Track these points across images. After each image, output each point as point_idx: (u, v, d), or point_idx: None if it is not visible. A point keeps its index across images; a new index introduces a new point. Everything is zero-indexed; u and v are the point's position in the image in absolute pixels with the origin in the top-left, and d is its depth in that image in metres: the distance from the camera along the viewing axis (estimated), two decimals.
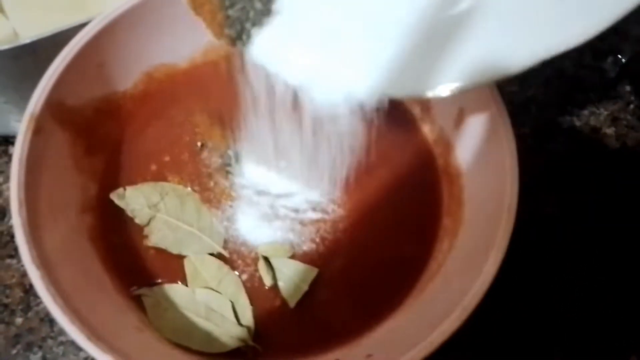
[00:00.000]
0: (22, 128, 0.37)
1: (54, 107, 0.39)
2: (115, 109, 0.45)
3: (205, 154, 0.46)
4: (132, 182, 0.44)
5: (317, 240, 0.42)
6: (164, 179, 0.44)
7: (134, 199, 0.42)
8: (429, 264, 0.41)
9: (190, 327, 0.38)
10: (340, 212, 0.43)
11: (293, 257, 0.42)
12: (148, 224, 0.42)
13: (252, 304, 0.40)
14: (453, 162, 0.43)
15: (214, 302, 0.39)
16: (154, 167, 0.45)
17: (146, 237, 0.42)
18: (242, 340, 0.38)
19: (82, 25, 0.41)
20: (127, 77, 0.45)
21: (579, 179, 0.54)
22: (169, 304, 0.39)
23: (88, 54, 0.41)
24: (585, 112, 0.58)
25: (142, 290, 0.40)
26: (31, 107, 0.38)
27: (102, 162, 0.44)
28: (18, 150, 0.36)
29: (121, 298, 0.39)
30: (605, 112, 0.58)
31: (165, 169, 0.45)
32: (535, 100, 0.58)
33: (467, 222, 0.40)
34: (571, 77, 0.60)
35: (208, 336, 0.38)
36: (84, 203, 0.41)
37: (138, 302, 0.39)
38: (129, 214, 0.42)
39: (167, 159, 0.45)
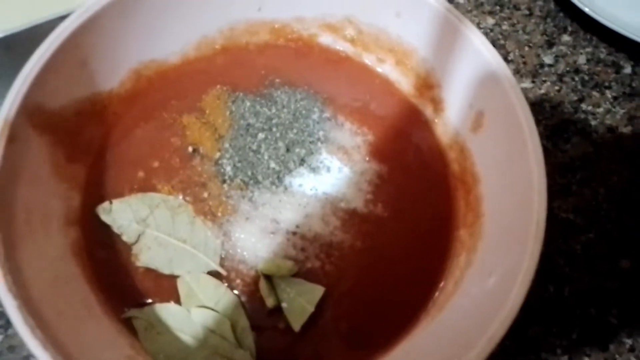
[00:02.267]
0: None
1: (30, 111, 0.35)
2: (99, 110, 0.41)
3: (197, 160, 0.42)
4: (119, 191, 0.40)
5: (322, 256, 0.39)
6: (153, 188, 0.40)
7: (121, 214, 0.38)
8: (446, 281, 0.38)
9: (187, 352, 0.35)
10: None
11: (296, 275, 0.38)
12: (137, 241, 0.38)
13: (253, 327, 0.36)
14: (470, 168, 0.40)
15: (212, 323, 0.36)
16: (141, 174, 0.41)
17: (135, 256, 0.38)
18: None
19: (63, 18, 0.37)
20: (113, 75, 0.41)
21: (594, 181, 0.51)
22: (162, 327, 0.36)
23: (69, 50, 0.37)
24: (601, 110, 0.55)
25: (132, 312, 0.36)
26: (4, 112, 0.33)
27: (85, 169, 0.40)
28: None
29: (110, 322, 0.35)
30: (622, 111, 0.55)
31: (154, 177, 0.41)
32: (549, 98, 0.55)
33: (487, 236, 0.37)
34: (586, 74, 0.57)
35: None
36: (67, 215, 0.37)
37: (129, 326, 0.36)
38: (116, 230, 0.38)
39: (156, 164, 0.41)
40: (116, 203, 0.39)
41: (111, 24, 0.39)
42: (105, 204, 0.39)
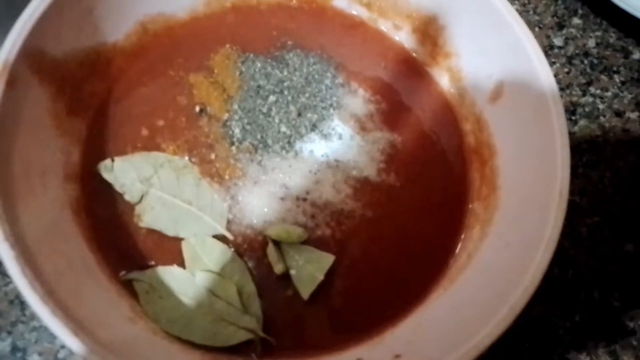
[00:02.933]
0: None
1: (31, 55, 0.33)
2: (103, 63, 0.39)
3: (204, 120, 0.40)
4: (121, 149, 0.38)
5: (333, 224, 0.37)
6: (157, 147, 0.38)
7: (123, 172, 0.37)
8: (458, 253, 0.37)
9: (190, 317, 0.33)
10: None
11: (306, 242, 0.37)
12: (140, 201, 0.36)
13: (260, 294, 0.35)
14: (486, 140, 0.39)
15: (217, 287, 0.34)
16: (145, 132, 0.39)
17: (138, 217, 0.36)
18: (251, 331, 0.33)
19: None
20: (119, 26, 0.39)
21: (603, 165, 0.51)
22: (165, 290, 0.34)
23: None
24: (609, 94, 0.55)
25: (133, 275, 0.34)
26: (4, 53, 0.31)
27: (86, 124, 0.38)
28: None
29: (110, 283, 0.33)
30: (630, 96, 0.55)
31: (159, 135, 0.39)
32: (558, 79, 0.55)
33: (503, 209, 0.36)
34: (595, 57, 0.56)
35: (211, 327, 0.33)
36: (66, 171, 0.35)
37: (130, 289, 0.34)
38: (118, 189, 0.36)
39: (160, 123, 0.39)
40: (118, 161, 0.37)
41: None
42: (107, 162, 0.37)
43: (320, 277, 0.35)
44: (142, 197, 0.36)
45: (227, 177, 0.38)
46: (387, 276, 0.36)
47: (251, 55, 0.42)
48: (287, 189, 0.38)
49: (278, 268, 0.35)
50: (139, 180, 0.37)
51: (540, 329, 0.43)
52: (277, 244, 0.36)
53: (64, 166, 0.35)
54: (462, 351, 0.28)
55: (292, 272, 0.35)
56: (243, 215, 0.37)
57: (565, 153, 0.32)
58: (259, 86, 0.41)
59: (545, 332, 0.43)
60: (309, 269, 0.35)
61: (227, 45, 0.42)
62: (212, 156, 0.39)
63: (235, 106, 0.40)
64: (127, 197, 0.36)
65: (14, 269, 0.27)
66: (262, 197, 0.38)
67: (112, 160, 0.37)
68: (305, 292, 0.35)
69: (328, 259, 0.36)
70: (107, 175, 0.37)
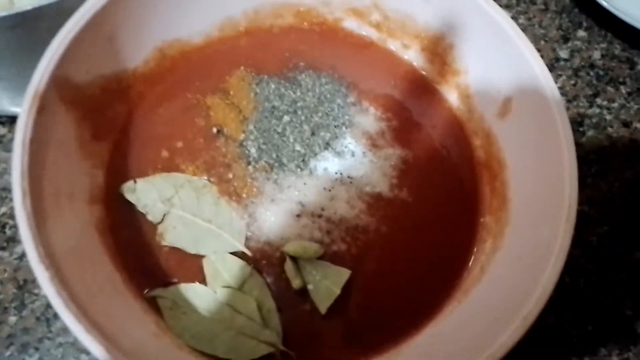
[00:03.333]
0: (24, 107, 0.32)
1: (59, 83, 0.34)
2: (124, 88, 0.40)
3: (221, 141, 0.41)
4: (142, 170, 0.40)
5: (348, 240, 0.39)
6: (177, 168, 0.40)
7: (145, 193, 0.38)
8: (471, 266, 0.38)
9: (213, 332, 0.34)
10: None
11: (322, 258, 0.38)
12: (162, 221, 0.38)
13: (278, 309, 0.36)
14: (496, 155, 0.40)
15: (237, 303, 0.36)
16: (165, 154, 0.40)
17: (160, 235, 0.37)
18: (272, 345, 0.34)
19: None
20: (138, 53, 0.41)
21: (611, 175, 0.51)
22: (188, 306, 0.35)
23: (97, 25, 0.36)
24: (616, 105, 0.56)
25: (157, 292, 0.36)
26: (35, 83, 0.33)
27: (109, 147, 0.39)
28: (20, 132, 0.31)
29: (135, 301, 0.35)
30: (636, 106, 0.56)
31: (178, 156, 0.40)
32: (565, 92, 0.56)
33: (515, 222, 0.37)
34: (600, 69, 0.57)
35: (233, 341, 0.34)
36: (91, 193, 0.37)
37: (154, 305, 0.35)
38: (141, 209, 0.38)
39: (179, 144, 0.41)
40: (140, 182, 0.38)
41: (139, 1, 0.38)
42: (130, 183, 0.38)
43: (337, 291, 0.36)
44: (164, 217, 0.38)
45: (244, 195, 0.39)
46: (402, 290, 0.37)
47: (265, 77, 0.43)
48: (303, 205, 0.39)
49: (296, 283, 0.36)
50: (160, 200, 0.38)
51: (553, 337, 0.44)
52: (295, 259, 0.37)
53: (89, 188, 0.37)
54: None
55: (310, 286, 0.36)
56: (261, 232, 0.39)
57: (573, 167, 0.33)
58: (273, 107, 0.42)
59: (558, 341, 0.44)
60: (326, 284, 0.36)
61: (242, 68, 0.44)
62: (230, 175, 0.40)
63: (251, 127, 0.41)
64: (149, 217, 0.38)
65: (49, 290, 0.28)
66: (278, 214, 0.39)
67: (135, 182, 0.38)
68: (323, 307, 0.36)
69: (344, 274, 0.37)
70: (130, 197, 0.38)
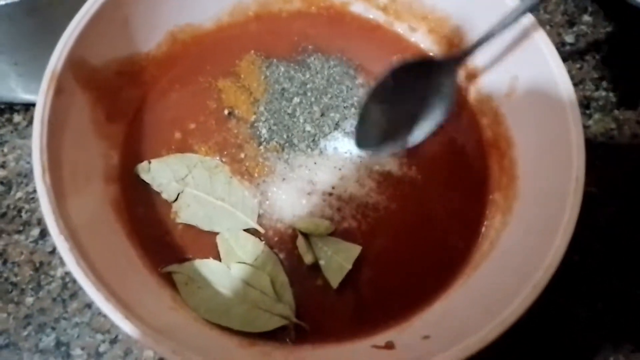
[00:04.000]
0: (42, 87, 0.33)
1: (75, 65, 0.35)
2: (137, 71, 0.41)
3: (233, 122, 0.42)
4: (156, 151, 0.40)
5: (359, 217, 0.39)
6: (190, 149, 0.41)
7: (160, 173, 0.39)
8: (480, 241, 0.39)
9: (228, 306, 0.35)
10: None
11: (333, 234, 0.38)
12: (176, 199, 0.38)
13: (291, 284, 0.37)
14: (504, 133, 0.40)
15: (251, 278, 0.36)
16: (178, 135, 0.41)
17: (175, 213, 0.38)
18: (285, 318, 0.35)
19: None
20: (151, 36, 0.42)
21: (618, 156, 0.52)
22: (203, 282, 0.36)
23: (112, 8, 0.37)
24: (621, 88, 0.56)
25: (172, 267, 0.36)
26: (52, 64, 0.34)
27: (123, 128, 0.40)
28: (39, 112, 0.32)
29: (151, 276, 0.36)
30: None
31: (191, 138, 0.41)
32: (571, 75, 0.56)
33: (523, 197, 0.37)
34: (606, 53, 0.58)
35: (248, 314, 0.35)
36: (106, 173, 0.38)
37: (170, 280, 0.36)
38: (156, 188, 0.39)
39: (192, 126, 0.42)
40: (155, 163, 0.39)
41: None
42: (144, 164, 0.39)
43: (348, 266, 0.37)
44: (178, 196, 0.39)
45: (256, 175, 0.40)
46: (412, 265, 0.38)
47: (275, 60, 0.44)
48: (314, 184, 0.40)
49: (307, 259, 0.37)
50: (174, 180, 0.39)
51: (562, 316, 0.44)
52: (306, 236, 0.38)
53: (105, 168, 0.38)
54: (488, 328, 0.29)
55: (321, 262, 0.37)
56: (273, 210, 0.39)
57: (580, 141, 0.34)
58: (283, 89, 0.43)
59: (567, 318, 0.44)
60: (337, 259, 0.37)
61: (252, 52, 0.44)
62: (242, 155, 0.41)
63: (262, 108, 0.42)
64: (164, 196, 0.38)
65: (70, 260, 0.29)
66: (290, 193, 0.40)
67: (149, 163, 0.39)
68: (335, 281, 0.37)
69: (355, 250, 0.37)
70: (145, 176, 0.39)
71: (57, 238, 0.29)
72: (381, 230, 0.39)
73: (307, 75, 0.44)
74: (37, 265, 0.44)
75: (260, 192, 0.40)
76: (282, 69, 0.44)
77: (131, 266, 0.35)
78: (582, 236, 0.47)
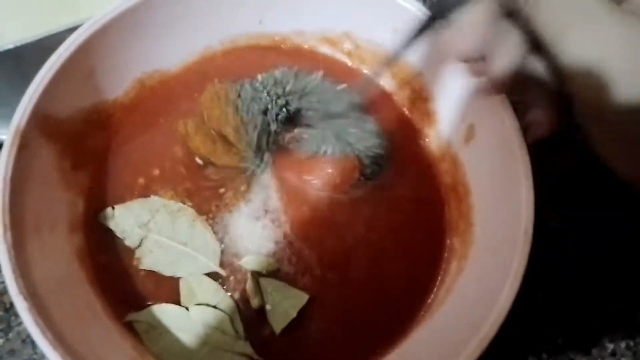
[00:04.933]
0: (6, 144, 0.34)
1: (40, 119, 0.36)
2: (104, 119, 0.42)
3: (210, 169, 0.43)
4: (120, 197, 0.41)
5: (313, 260, 0.40)
6: (154, 194, 0.41)
7: (123, 219, 0.40)
8: (437, 288, 0.40)
9: (190, 350, 0.36)
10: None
11: (287, 276, 0.39)
12: (139, 245, 0.39)
13: (247, 325, 0.38)
14: (462, 179, 0.42)
15: (211, 319, 0.37)
16: (141, 181, 0.42)
17: (138, 260, 0.39)
18: (247, 356, 0.36)
19: (71, 30, 0.38)
20: (119, 84, 0.43)
21: (584, 192, 0.53)
22: (163, 328, 0.37)
23: (78, 60, 0.38)
24: None
25: (132, 316, 0.37)
26: (16, 120, 0.35)
27: (89, 176, 0.41)
28: (2, 169, 0.33)
29: (113, 324, 0.36)
30: None
31: (154, 184, 0.42)
32: None
33: (478, 244, 0.38)
34: None
35: (210, 356, 0.36)
36: (71, 222, 0.39)
37: (131, 328, 0.37)
38: (119, 235, 0.39)
39: (156, 172, 0.42)
40: (118, 209, 0.40)
41: (119, 36, 0.40)
42: (108, 210, 0.40)
43: (293, 314, 0.38)
44: (141, 241, 0.39)
45: (219, 213, 0.41)
46: (367, 312, 0.39)
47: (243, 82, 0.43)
48: (275, 221, 0.41)
49: (254, 302, 0.38)
50: (137, 225, 0.40)
51: (524, 350, 0.45)
52: (258, 277, 0.39)
53: (70, 217, 0.39)
54: None
55: (268, 307, 0.38)
56: (231, 245, 0.40)
57: (530, 194, 0.35)
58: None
59: (529, 354, 0.45)
60: (284, 305, 0.38)
61: (216, 80, 0.44)
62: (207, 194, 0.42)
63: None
64: (127, 243, 0.39)
65: (27, 319, 0.30)
66: (248, 226, 0.41)
67: (113, 209, 0.40)
68: (278, 327, 0.37)
69: (302, 298, 0.38)
70: (108, 223, 0.40)
71: (16, 298, 0.30)
72: (335, 274, 0.40)
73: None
74: (8, 306, 0.44)
75: (223, 226, 0.41)
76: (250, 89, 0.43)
77: (94, 317, 0.36)
78: (549, 270, 0.48)
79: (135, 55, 0.42)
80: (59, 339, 0.30)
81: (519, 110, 0.37)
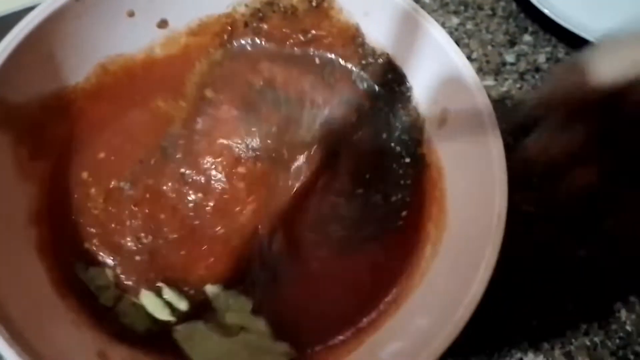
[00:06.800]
0: None
1: None
2: (64, 105, 0.40)
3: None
4: (85, 186, 0.39)
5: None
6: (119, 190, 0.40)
7: (98, 277, 0.37)
8: (411, 272, 0.39)
9: (233, 353, 0.36)
10: None
11: None
12: (114, 306, 0.37)
13: None
14: (435, 163, 0.41)
15: (247, 324, 0.37)
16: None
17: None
18: (287, 354, 0.36)
19: (28, 10, 0.36)
20: (80, 69, 0.41)
21: (554, 176, 0.53)
22: (204, 334, 0.37)
23: (35, 43, 0.36)
24: None
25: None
26: None
27: (49, 166, 0.39)
28: None
29: (78, 319, 0.35)
30: None
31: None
32: (510, 95, 0.57)
33: (451, 228, 0.38)
34: (546, 72, 0.59)
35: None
36: (30, 214, 0.37)
37: (98, 322, 0.35)
38: (93, 291, 0.37)
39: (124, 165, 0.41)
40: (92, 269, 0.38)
41: (79, 17, 0.38)
42: (82, 265, 0.37)
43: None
44: (116, 303, 0.37)
45: None
46: (343, 296, 0.38)
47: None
48: None
49: None
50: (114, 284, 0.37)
51: (500, 335, 0.45)
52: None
53: (28, 209, 0.37)
54: None
55: None
56: None
57: (503, 178, 0.35)
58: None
59: (505, 339, 0.45)
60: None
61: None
62: None
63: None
64: (101, 301, 0.37)
65: None
66: None
67: (87, 266, 0.37)
68: None
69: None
70: (82, 276, 0.37)
71: None
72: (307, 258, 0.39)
73: None
74: None
75: None
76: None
77: (57, 313, 0.34)
78: (523, 256, 0.48)
79: (97, 37, 0.40)
80: (16, 337, 0.29)
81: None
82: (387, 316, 0.38)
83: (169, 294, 0.37)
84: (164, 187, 0.40)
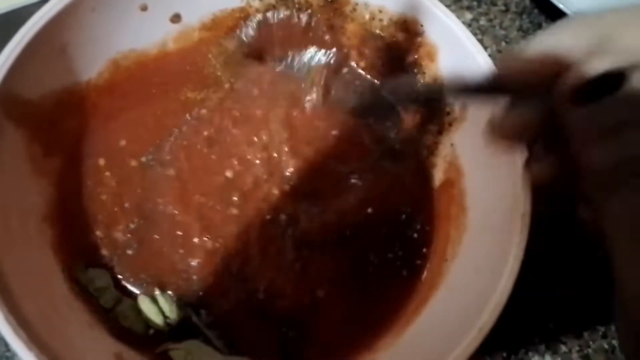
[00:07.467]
0: None
1: (8, 101, 0.33)
2: (77, 101, 0.39)
3: None
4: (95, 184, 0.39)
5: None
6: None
7: (99, 278, 0.37)
8: (429, 273, 0.39)
9: None
10: None
11: None
12: (112, 308, 0.36)
13: None
14: (454, 161, 0.40)
15: None
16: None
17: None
18: None
19: (42, 3, 0.35)
20: (92, 65, 0.40)
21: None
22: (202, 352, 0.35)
23: (49, 36, 0.35)
24: None
25: (170, 345, 0.35)
26: None
27: (62, 161, 0.38)
28: None
29: (92, 319, 0.34)
30: None
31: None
32: None
33: (472, 229, 0.37)
34: None
35: None
36: (44, 211, 0.36)
37: (112, 323, 0.35)
38: (92, 292, 0.36)
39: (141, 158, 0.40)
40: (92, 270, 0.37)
41: (92, 11, 0.38)
42: (81, 267, 0.37)
43: None
44: (115, 304, 0.36)
45: None
46: (359, 301, 0.38)
47: None
48: None
49: None
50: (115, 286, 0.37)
51: (518, 338, 0.45)
52: None
53: (42, 207, 0.36)
54: None
55: None
56: None
57: (526, 176, 0.34)
58: None
59: (522, 341, 0.45)
60: None
61: None
62: None
63: None
64: (101, 302, 0.36)
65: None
66: None
67: (86, 267, 0.37)
68: None
69: None
70: (82, 278, 0.36)
71: None
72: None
73: None
74: None
75: None
76: None
77: (72, 312, 0.34)
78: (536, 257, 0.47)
79: (109, 32, 0.39)
80: (33, 337, 0.28)
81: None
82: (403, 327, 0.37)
83: (162, 301, 0.36)
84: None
